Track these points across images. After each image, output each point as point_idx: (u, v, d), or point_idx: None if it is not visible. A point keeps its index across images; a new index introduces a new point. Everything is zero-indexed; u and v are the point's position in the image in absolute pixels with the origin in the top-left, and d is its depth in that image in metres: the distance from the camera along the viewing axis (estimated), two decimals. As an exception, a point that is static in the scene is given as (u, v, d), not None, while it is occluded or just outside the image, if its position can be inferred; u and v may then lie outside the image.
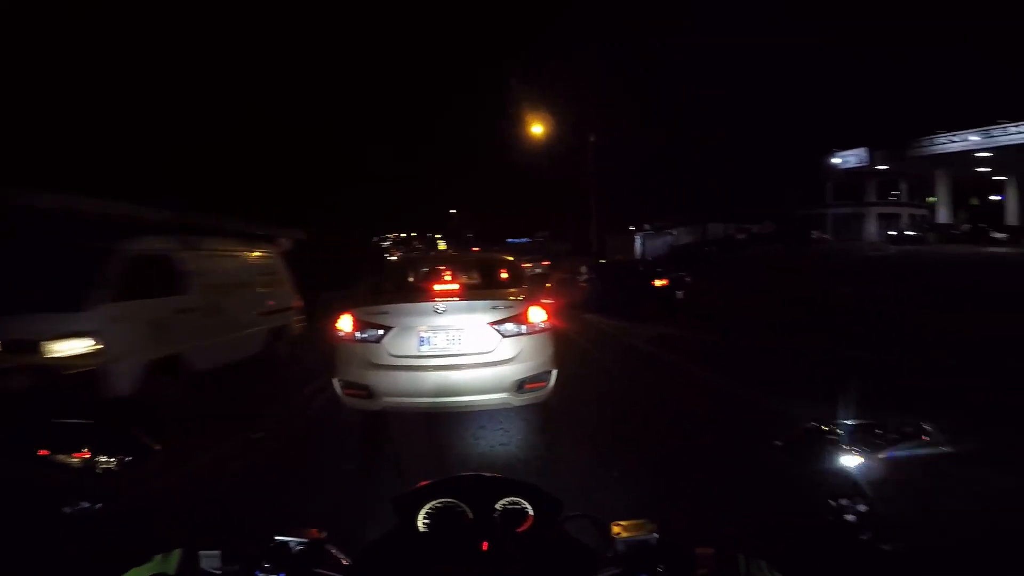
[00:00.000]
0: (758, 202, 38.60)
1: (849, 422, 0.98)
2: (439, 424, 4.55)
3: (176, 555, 0.81)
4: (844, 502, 0.91)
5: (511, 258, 6.39)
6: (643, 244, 38.03)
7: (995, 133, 27.84)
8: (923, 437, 0.97)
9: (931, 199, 38.24)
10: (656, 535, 0.82)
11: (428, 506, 1.06)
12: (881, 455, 0.93)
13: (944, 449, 0.95)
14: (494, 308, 4.11)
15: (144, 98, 15.20)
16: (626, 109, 28.51)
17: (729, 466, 3.43)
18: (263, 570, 0.82)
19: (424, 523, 1.05)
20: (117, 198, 6.66)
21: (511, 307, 4.14)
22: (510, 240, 43.98)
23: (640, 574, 0.78)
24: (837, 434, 0.98)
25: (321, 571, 0.84)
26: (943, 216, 33.99)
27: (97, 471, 0.97)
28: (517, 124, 22.91)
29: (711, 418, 4.95)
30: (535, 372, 4.10)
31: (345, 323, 4.14)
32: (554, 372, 4.25)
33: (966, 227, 34.78)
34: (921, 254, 25.00)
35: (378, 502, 1.31)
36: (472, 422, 4.63)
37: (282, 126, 19.97)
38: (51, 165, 11.35)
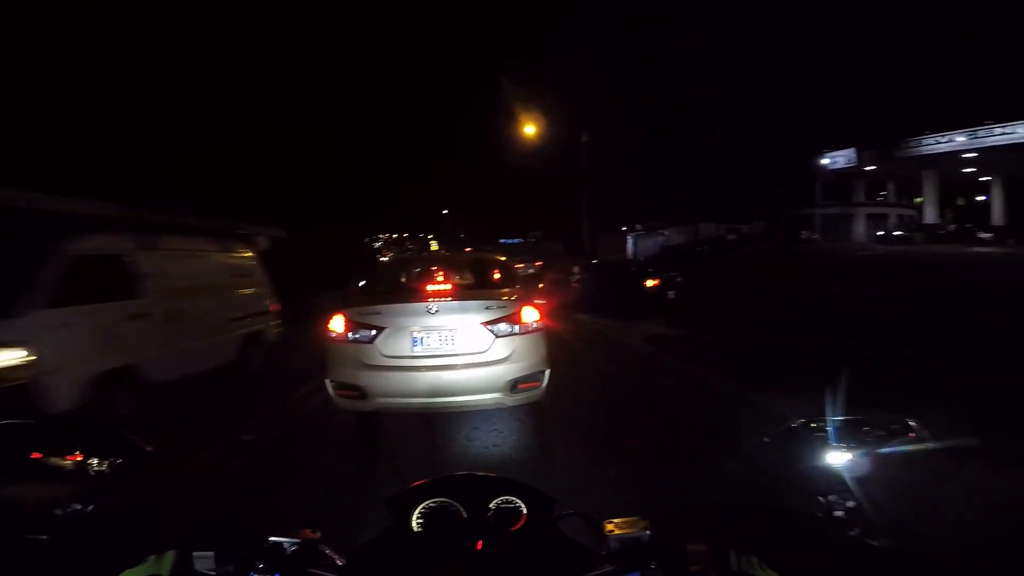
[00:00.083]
0: (749, 202, 38.91)
1: (837, 419, 1.00)
2: (432, 425, 4.54)
3: (170, 556, 0.80)
4: (833, 498, 0.93)
5: (504, 258, 6.39)
6: (635, 244, 38.15)
7: (981, 134, 28.25)
8: (910, 434, 0.99)
9: (918, 199, 38.69)
10: (648, 532, 0.83)
11: (422, 506, 1.06)
12: (868, 451, 0.95)
13: (930, 445, 0.97)
14: (487, 308, 4.10)
15: (138, 96, 15.08)
16: (619, 109, 28.64)
17: (720, 463, 3.46)
18: (257, 571, 0.81)
19: (418, 523, 1.05)
20: (110, 196, 6.44)
21: (504, 307, 4.13)
22: (503, 240, 43.96)
23: (633, 571, 0.78)
24: (825, 431, 0.99)
25: (315, 571, 0.84)
26: (930, 216, 34.43)
27: (90, 473, 0.96)
28: (510, 124, 22.93)
29: (703, 416, 4.98)
30: (528, 372, 4.11)
31: (337, 324, 4.12)
32: (547, 372, 4.26)
33: (952, 227, 35.27)
34: (909, 254, 25.30)
35: (372, 502, 1.31)
36: (465, 423, 4.63)
37: (273, 125, 19.88)
38: (38, 162, 11.23)
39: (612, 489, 3.34)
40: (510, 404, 4.18)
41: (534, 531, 1.01)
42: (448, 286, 4.49)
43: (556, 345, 5.14)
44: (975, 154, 29.34)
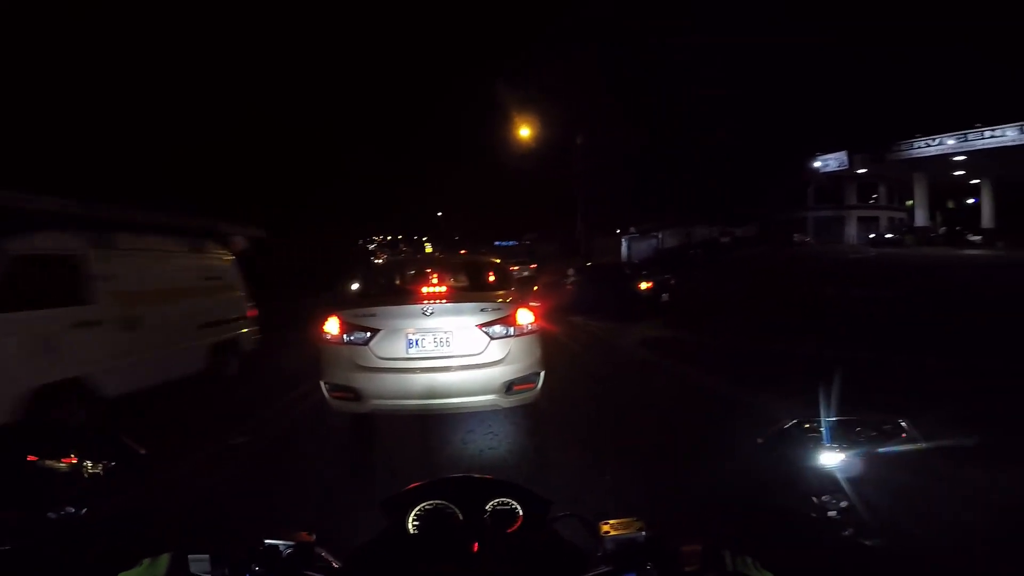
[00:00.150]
0: (742, 205, 39.11)
1: (830, 419, 1.01)
2: (428, 428, 4.54)
3: (165, 559, 0.80)
4: (826, 498, 0.94)
5: (498, 260, 6.40)
6: (629, 247, 38.27)
7: (971, 137, 28.53)
8: (902, 434, 1.00)
9: (909, 202, 39.04)
10: (644, 533, 0.84)
11: (418, 508, 1.06)
12: (861, 452, 0.96)
13: (922, 445, 0.98)
14: (482, 310, 4.11)
15: (138, 97, 15.07)
16: (616, 110, 28.73)
17: (715, 464, 3.47)
18: (253, 573, 0.81)
19: (414, 525, 1.05)
20: (110, 196, 6.34)
21: (499, 309, 4.14)
22: (498, 243, 43.98)
23: (629, 572, 0.79)
24: (818, 431, 1.00)
25: (311, 574, 0.84)
26: (921, 219, 34.71)
27: (85, 476, 0.96)
28: (506, 127, 22.97)
29: (697, 417, 5.00)
30: (523, 374, 4.11)
31: (332, 325, 4.10)
32: (542, 374, 4.27)
33: (943, 230, 35.61)
34: (900, 257, 25.52)
35: (368, 504, 1.31)
36: (461, 426, 4.63)
37: (273, 126, 19.89)
38: (38, 162, 11.18)
39: (608, 491, 3.34)
40: (505, 406, 4.18)
41: (530, 533, 1.01)
42: (443, 288, 4.49)
43: (551, 347, 5.15)
44: (965, 157, 29.64)
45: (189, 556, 0.80)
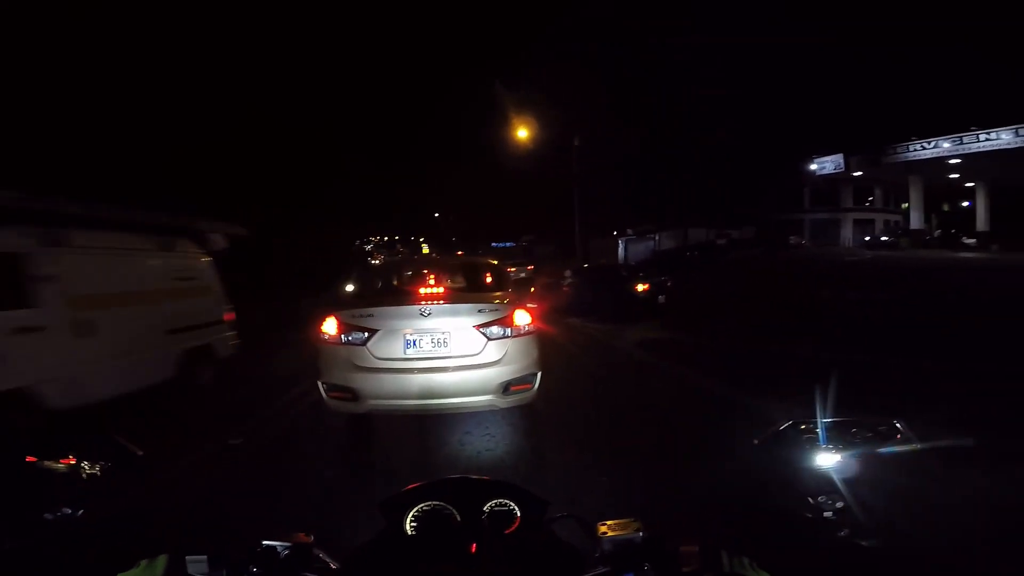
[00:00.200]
0: (740, 206, 39.23)
1: (825, 420, 1.02)
2: (425, 429, 4.54)
3: (162, 560, 0.80)
4: (822, 499, 0.94)
5: (495, 262, 6.40)
6: (626, 249, 38.34)
7: (966, 140, 28.64)
8: (897, 435, 1.01)
9: (905, 205, 39.22)
10: (641, 534, 0.84)
11: (416, 509, 1.06)
12: (857, 453, 0.97)
13: (917, 446, 0.99)
14: (480, 311, 4.13)
15: (139, 97, 15.05)
16: (612, 113, 28.77)
17: (712, 465, 3.48)
18: (250, 574, 0.81)
19: (412, 526, 1.05)
20: (111, 196, 6.17)
21: (496, 310, 4.15)
22: (495, 244, 43.99)
23: (626, 573, 0.79)
24: (814, 432, 1.01)
25: (309, 575, 0.84)
26: (916, 222, 34.83)
27: (83, 477, 0.96)
28: (504, 128, 22.97)
29: (694, 419, 5.00)
30: (521, 374, 4.13)
31: (330, 326, 4.11)
32: (539, 374, 4.28)
33: (938, 233, 35.79)
34: (895, 259, 25.64)
35: (365, 506, 1.30)
36: (458, 427, 4.63)
37: (273, 127, 19.88)
38: (38, 162, 11.15)
39: (605, 492, 3.35)
40: (502, 406, 4.20)
41: (528, 533, 1.01)
42: (440, 289, 4.50)
43: (548, 348, 5.15)
44: (960, 160, 29.79)
45: (187, 557, 0.80)
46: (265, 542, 0.85)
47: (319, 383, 4.19)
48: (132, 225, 5.81)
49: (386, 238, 68.82)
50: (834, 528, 0.93)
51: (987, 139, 27.67)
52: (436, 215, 64.81)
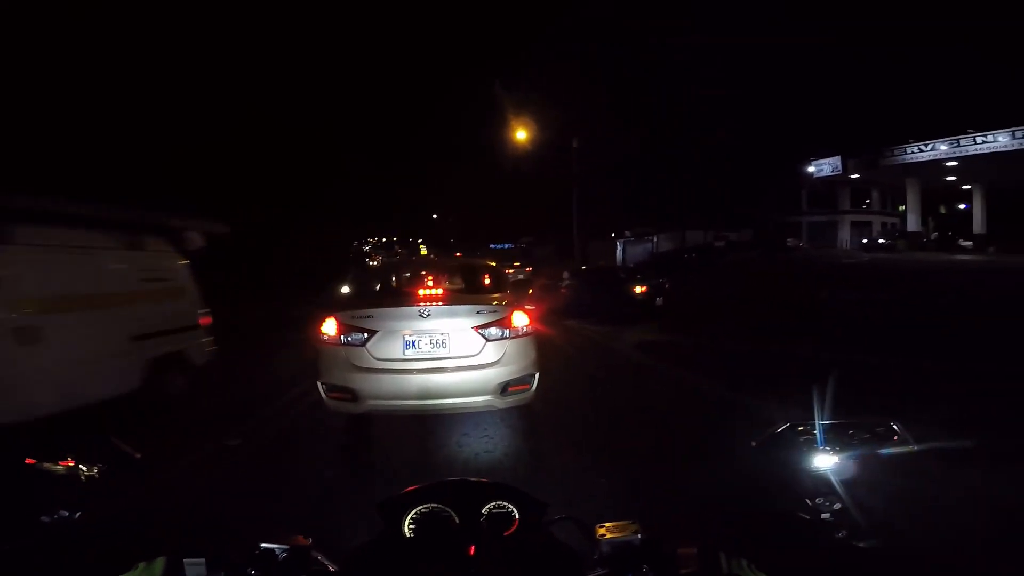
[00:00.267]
0: (740, 206, 39.31)
1: (823, 422, 1.02)
2: (424, 431, 4.53)
3: (160, 563, 0.80)
4: (820, 500, 0.94)
5: (494, 263, 6.41)
6: (624, 250, 38.38)
7: (963, 143, 28.74)
8: (894, 436, 1.01)
9: (902, 207, 39.34)
10: (640, 536, 0.84)
11: (414, 511, 1.06)
12: (854, 454, 0.97)
13: (914, 447, 0.99)
14: (478, 312, 4.15)
15: (140, 98, 15.06)
16: (615, 112, 28.77)
17: (710, 467, 3.48)
18: (249, 577, 0.81)
19: (410, 528, 1.05)
20: (112, 195, 5.98)
21: (495, 311, 4.18)
22: (493, 245, 44.01)
23: (625, 575, 0.79)
24: (811, 434, 1.01)
25: None
26: (913, 224, 34.94)
27: (82, 479, 0.96)
28: (503, 129, 23.00)
29: (693, 420, 5.01)
30: (519, 375, 4.16)
31: (329, 327, 4.14)
32: (537, 375, 4.31)
33: (935, 235, 35.91)
34: (892, 261, 25.72)
35: (364, 508, 1.30)
36: (456, 429, 4.62)
37: (269, 127, 19.89)
38: (39, 162, 11.13)
39: (603, 493, 3.35)
40: (501, 407, 4.22)
41: (526, 536, 1.01)
42: (439, 290, 4.52)
43: (546, 350, 5.16)
44: (956, 163, 29.91)
45: (184, 560, 0.80)
46: (263, 545, 0.85)
47: (319, 383, 4.20)
48: (91, 221, 5.24)
49: (384, 239, 68.82)
50: (832, 529, 0.93)
51: (984, 142, 27.77)
52: (434, 216, 64.84)
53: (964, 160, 29.11)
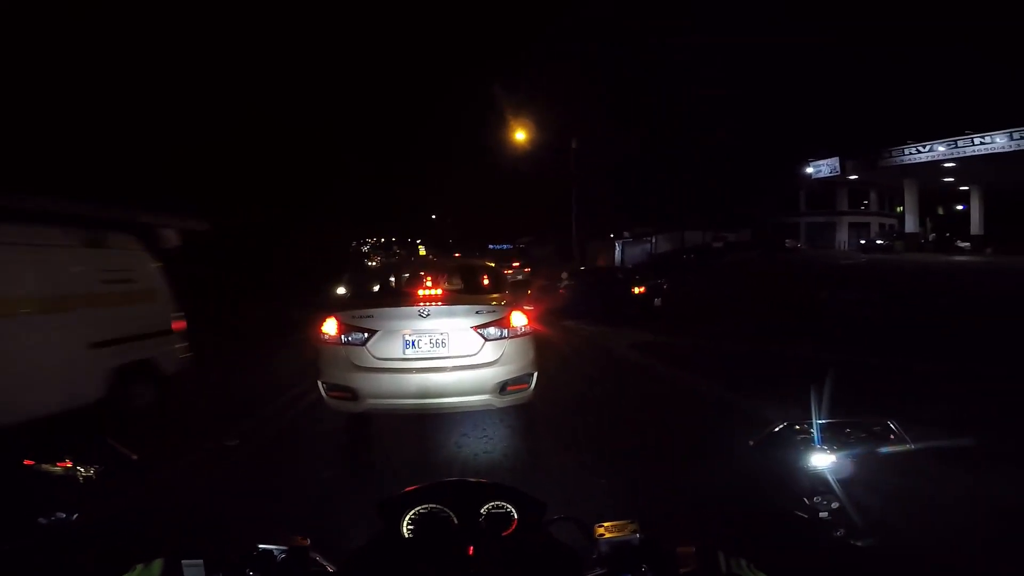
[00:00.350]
0: (735, 210, 39.35)
1: (820, 421, 1.02)
2: (422, 432, 4.54)
3: (158, 564, 0.80)
4: (818, 499, 0.95)
5: (492, 264, 6.41)
6: (622, 251, 38.40)
7: (961, 144, 28.77)
8: (890, 435, 1.01)
9: (899, 208, 39.40)
10: (639, 535, 0.84)
11: (413, 511, 1.06)
12: (851, 453, 0.97)
13: (910, 446, 0.99)
14: (477, 313, 4.17)
15: (140, 99, 15.06)
16: (610, 114, 28.82)
17: (709, 467, 3.49)
18: (247, 578, 0.81)
19: (409, 529, 1.05)
20: (112, 195, 5.77)
21: (494, 312, 4.20)
22: (491, 246, 44.03)
23: (624, 574, 0.79)
24: (809, 433, 1.01)
25: None
26: (910, 225, 34.97)
27: (79, 480, 0.95)
28: (503, 130, 23.01)
29: (691, 421, 5.01)
30: (517, 374, 4.19)
31: (330, 326, 4.16)
32: (535, 375, 4.33)
33: (932, 236, 35.96)
34: (890, 262, 25.75)
35: (362, 508, 1.30)
36: (455, 429, 4.62)
37: (269, 127, 19.89)
38: (39, 162, 11.10)
39: (602, 493, 3.35)
40: (499, 406, 4.25)
41: (525, 535, 1.01)
42: (439, 291, 4.53)
43: (544, 351, 5.16)
44: (954, 164, 29.95)
45: (182, 561, 0.80)
46: (261, 545, 0.85)
47: (319, 382, 4.23)
48: (42, 215, 4.83)
49: (383, 239, 68.79)
50: (830, 528, 0.93)
51: (982, 143, 27.80)
52: (433, 216, 64.86)
53: (962, 161, 29.13)
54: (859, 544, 0.91)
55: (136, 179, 13.20)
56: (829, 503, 0.94)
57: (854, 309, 12.17)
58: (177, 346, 5.89)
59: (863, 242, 37.18)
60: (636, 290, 13.31)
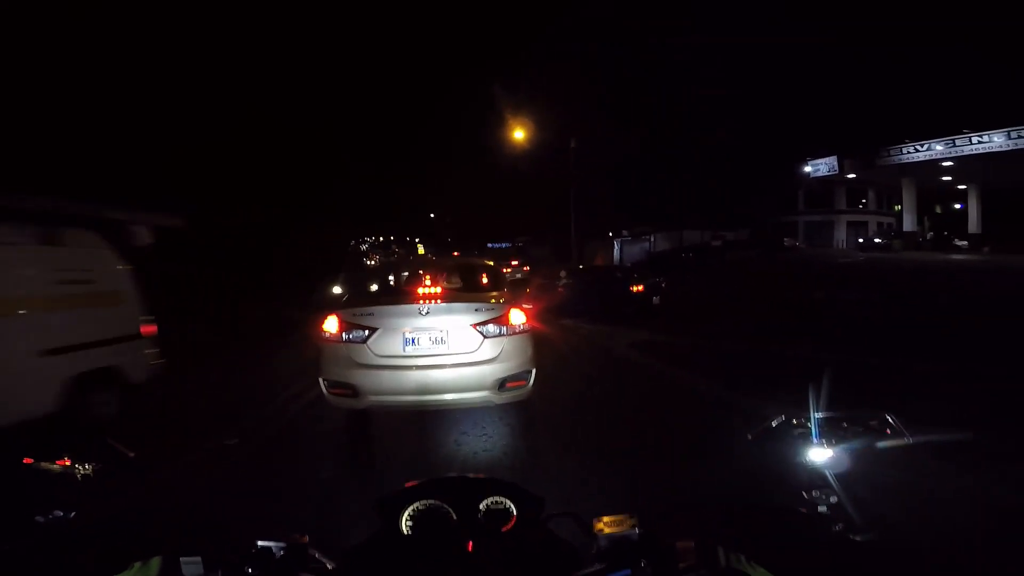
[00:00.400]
0: (733, 209, 39.39)
1: (817, 416, 1.02)
2: (421, 430, 4.55)
3: (156, 562, 0.79)
4: (816, 494, 0.95)
5: (491, 263, 6.42)
6: (621, 250, 38.40)
7: (959, 143, 28.80)
8: (887, 429, 1.01)
9: (897, 207, 39.44)
10: (638, 530, 0.84)
11: (412, 508, 1.06)
12: (849, 447, 0.97)
13: (908, 440, 0.99)
14: (476, 310, 4.21)
15: (141, 99, 15.05)
16: (610, 114, 28.83)
17: (707, 463, 3.49)
18: None
19: (408, 525, 1.05)
20: (114, 195, 5.51)
21: (493, 309, 4.23)
22: (490, 245, 44.02)
23: (623, 569, 0.79)
24: (807, 428, 1.01)
25: (305, 575, 0.84)
26: (908, 224, 35.00)
27: (78, 478, 0.95)
28: (502, 129, 23.00)
29: (689, 418, 5.01)
30: (516, 371, 4.21)
31: (331, 324, 4.19)
32: (533, 372, 4.36)
33: (930, 235, 36.00)
34: (888, 261, 25.80)
35: (361, 505, 1.30)
36: (454, 427, 4.63)
37: (269, 127, 19.88)
38: (39, 161, 11.06)
39: (601, 489, 3.35)
40: (498, 402, 4.28)
41: (524, 531, 1.01)
42: (438, 289, 4.55)
43: (543, 349, 5.17)
44: (952, 163, 29.99)
45: (181, 559, 0.79)
46: (260, 543, 0.84)
47: (320, 380, 4.26)
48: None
49: (382, 238, 68.75)
50: (829, 523, 0.93)
51: (979, 142, 27.84)
52: (432, 215, 64.80)
53: (960, 160, 29.17)
54: (858, 539, 0.91)
55: (136, 179, 13.18)
56: (828, 498, 0.94)
57: (853, 308, 12.18)
58: (146, 352, 5.49)
59: (861, 241, 37.22)
60: (634, 289, 13.31)
